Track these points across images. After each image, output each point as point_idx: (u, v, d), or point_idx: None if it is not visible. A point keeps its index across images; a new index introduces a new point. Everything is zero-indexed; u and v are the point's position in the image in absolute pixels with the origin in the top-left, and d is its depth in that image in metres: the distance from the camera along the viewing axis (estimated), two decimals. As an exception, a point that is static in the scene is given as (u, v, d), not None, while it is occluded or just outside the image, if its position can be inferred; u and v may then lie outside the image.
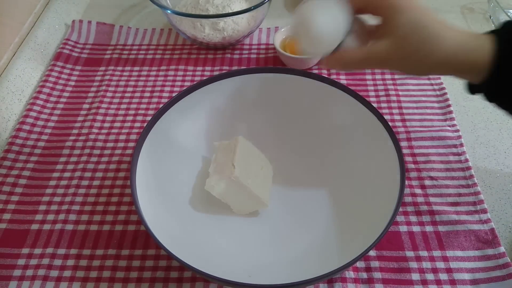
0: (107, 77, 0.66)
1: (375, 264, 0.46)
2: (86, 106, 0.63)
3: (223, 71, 0.65)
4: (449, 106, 0.59)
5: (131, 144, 0.58)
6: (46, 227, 0.50)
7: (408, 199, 0.50)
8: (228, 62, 0.68)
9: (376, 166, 0.47)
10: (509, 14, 0.66)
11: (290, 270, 0.44)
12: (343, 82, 0.63)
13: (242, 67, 0.67)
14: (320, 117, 0.53)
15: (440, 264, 0.45)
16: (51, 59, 0.70)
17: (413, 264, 0.45)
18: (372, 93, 0.62)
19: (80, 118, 0.61)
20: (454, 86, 0.63)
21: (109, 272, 0.46)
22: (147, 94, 0.64)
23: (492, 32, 0.35)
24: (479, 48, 0.34)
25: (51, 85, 0.65)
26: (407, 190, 0.51)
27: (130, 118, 0.61)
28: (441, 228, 0.48)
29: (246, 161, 0.48)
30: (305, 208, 0.50)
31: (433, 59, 0.35)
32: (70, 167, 0.55)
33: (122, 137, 0.59)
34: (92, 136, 0.58)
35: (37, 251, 0.48)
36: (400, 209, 0.49)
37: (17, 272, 0.46)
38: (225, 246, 0.47)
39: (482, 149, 0.56)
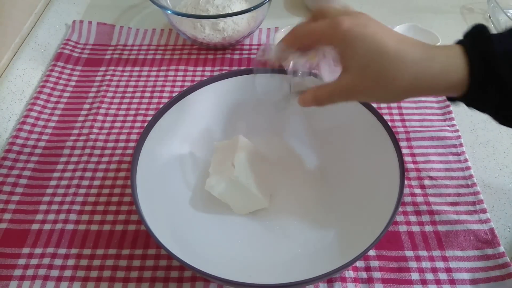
0: (107, 77, 0.66)
1: (374, 263, 0.46)
2: (86, 106, 0.63)
3: (223, 72, 0.65)
4: (448, 106, 0.60)
5: (132, 144, 0.58)
6: (47, 227, 0.50)
7: (407, 199, 0.51)
8: (228, 62, 0.68)
9: (376, 166, 0.47)
10: (508, 14, 0.67)
11: (290, 270, 0.44)
12: (343, 82, 0.63)
13: (242, 67, 0.67)
14: (320, 117, 0.54)
15: (440, 264, 0.45)
16: (51, 59, 0.70)
17: (413, 264, 0.45)
18: (372, 93, 0.62)
19: (80, 118, 0.61)
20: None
21: (109, 271, 0.46)
22: (148, 94, 0.64)
23: (461, 42, 0.34)
24: (449, 69, 0.33)
25: (51, 85, 0.65)
26: (406, 190, 0.51)
27: (131, 118, 0.61)
28: (440, 228, 0.48)
29: (246, 160, 0.48)
30: (305, 207, 0.50)
31: (398, 85, 0.33)
32: (70, 167, 0.55)
33: (123, 137, 0.59)
34: (92, 136, 0.58)
35: (38, 250, 0.48)
36: (400, 209, 0.50)
37: (17, 272, 0.46)
38: (226, 246, 0.47)
39: (481, 149, 0.56)
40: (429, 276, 0.45)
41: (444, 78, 0.33)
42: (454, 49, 0.33)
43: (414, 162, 0.54)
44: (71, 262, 0.47)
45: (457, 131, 0.57)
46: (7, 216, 0.51)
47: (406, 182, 0.51)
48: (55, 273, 0.46)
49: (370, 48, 0.33)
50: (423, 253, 0.46)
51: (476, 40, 0.33)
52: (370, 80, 0.34)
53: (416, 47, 0.33)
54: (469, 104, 0.35)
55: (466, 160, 0.53)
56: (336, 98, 0.37)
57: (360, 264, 0.46)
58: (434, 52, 0.33)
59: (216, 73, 0.66)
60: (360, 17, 0.35)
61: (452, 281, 0.44)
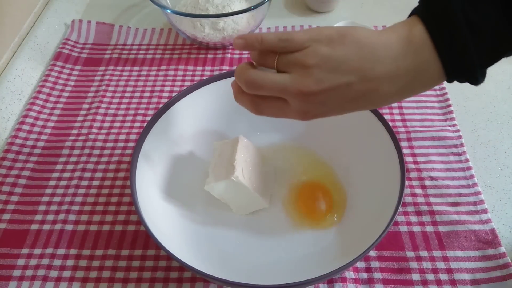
0: (106, 77, 0.66)
1: (375, 264, 0.46)
2: (85, 106, 0.63)
3: (223, 71, 0.65)
4: (449, 106, 0.59)
5: (131, 144, 0.58)
6: (46, 227, 0.50)
7: (408, 199, 0.50)
8: (228, 62, 0.68)
9: (376, 166, 0.47)
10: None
11: (290, 270, 0.44)
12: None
13: (242, 67, 0.67)
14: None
15: (441, 264, 0.45)
16: (50, 59, 0.69)
17: (414, 264, 0.45)
18: (372, 93, 0.62)
19: (79, 118, 0.61)
20: (454, 86, 0.63)
21: (108, 272, 0.46)
22: (147, 94, 0.64)
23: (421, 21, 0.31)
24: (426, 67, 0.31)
25: (50, 85, 0.65)
26: (407, 190, 0.51)
27: (130, 118, 0.61)
28: (441, 228, 0.48)
29: (246, 161, 0.48)
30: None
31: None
32: (69, 167, 0.55)
33: (122, 137, 0.59)
34: (91, 136, 0.58)
35: (37, 251, 0.48)
36: (401, 209, 0.49)
37: (16, 272, 0.46)
38: (225, 246, 0.47)
39: (482, 149, 0.56)
40: (430, 276, 0.44)
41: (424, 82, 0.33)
42: (418, 41, 0.31)
43: (415, 162, 0.54)
44: (70, 262, 0.47)
45: (458, 131, 0.56)
46: (6, 216, 0.50)
47: (407, 182, 0.51)
48: (54, 273, 0.46)
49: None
50: (424, 253, 0.46)
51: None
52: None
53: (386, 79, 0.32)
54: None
55: (467, 160, 0.53)
56: None
57: (360, 264, 0.46)
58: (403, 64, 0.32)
59: (216, 73, 0.66)
60: (319, 68, 0.32)
61: (453, 282, 0.44)
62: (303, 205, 0.49)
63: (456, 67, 0.31)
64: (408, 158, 0.54)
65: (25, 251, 0.48)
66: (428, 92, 0.61)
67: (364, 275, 0.45)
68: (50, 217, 0.50)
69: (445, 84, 0.62)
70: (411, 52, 0.31)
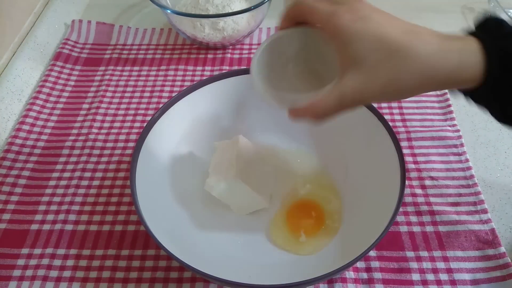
0: (106, 77, 0.66)
1: (375, 264, 0.46)
2: (85, 106, 0.63)
3: (223, 71, 0.65)
4: (449, 106, 0.59)
5: (131, 144, 0.58)
6: (46, 227, 0.50)
7: (408, 199, 0.50)
8: (228, 62, 0.68)
9: (376, 166, 0.47)
10: (509, 14, 0.66)
11: (290, 270, 0.44)
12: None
13: (242, 67, 0.67)
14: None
15: (441, 264, 0.45)
16: (50, 59, 0.69)
17: (414, 265, 0.45)
18: (372, 93, 0.62)
19: (79, 118, 0.61)
20: (454, 86, 0.63)
21: (108, 272, 0.46)
22: (147, 94, 0.64)
23: (476, 35, 0.31)
24: (463, 66, 0.30)
25: (50, 85, 0.65)
26: (407, 190, 0.51)
27: (130, 118, 0.61)
28: (441, 228, 0.48)
29: (246, 160, 0.48)
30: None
31: (407, 83, 0.31)
32: (69, 167, 0.55)
33: (122, 137, 0.59)
34: (91, 136, 0.58)
35: (37, 251, 0.48)
36: (401, 209, 0.49)
37: (16, 272, 0.46)
38: (225, 246, 0.47)
39: (482, 149, 0.56)
40: (430, 276, 0.44)
41: (457, 76, 0.31)
42: (469, 44, 0.31)
43: (415, 162, 0.54)
44: (70, 262, 0.47)
45: (458, 131, 0.56)
46: (6, 216, 0.50)
47: (407, 182, 0.51)
48: (54, 273, 0.46)
49: (377, 45, 0.31)
50: (424, 253, 0.46)
51: (494, 35, 0.31)
52: (384, 80, 0.31)
53: (427, 39, 0.31)
54: (476, 100, 0.34)
55: (467, 160, 0.53)
56: (344, 107, 0.33)
57: (360, 264, 0.46)
58: (448, 45, 0.31)
59: (216, 73, 0.66)
60: (362, 9, 0.32)
61: (453, 282, 0.44)
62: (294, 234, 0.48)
63: (499, 62, 0.30)
64: (408, 158, 0.54)
65: (25, 251, 0.48)
66: (428, 92, 0.61)
67: (364, 275, 0.45)
68: (50, 217, 0.50)
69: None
70: (455, 38, 0.31)
